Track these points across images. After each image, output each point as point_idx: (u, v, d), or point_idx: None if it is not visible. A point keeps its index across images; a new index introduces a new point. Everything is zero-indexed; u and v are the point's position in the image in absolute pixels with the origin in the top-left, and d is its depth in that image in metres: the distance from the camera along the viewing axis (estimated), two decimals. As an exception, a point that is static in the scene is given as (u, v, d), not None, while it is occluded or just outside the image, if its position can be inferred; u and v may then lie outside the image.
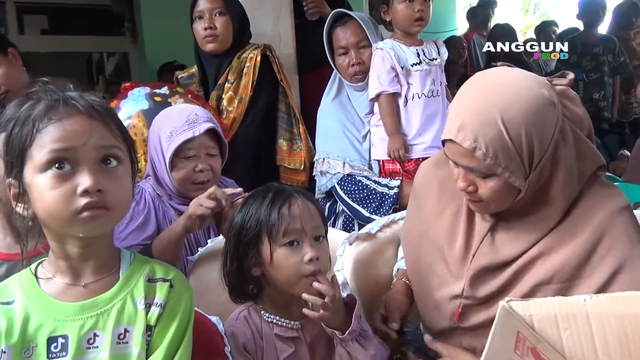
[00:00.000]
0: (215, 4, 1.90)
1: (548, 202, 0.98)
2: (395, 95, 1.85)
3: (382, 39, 1.95)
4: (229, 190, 1.32)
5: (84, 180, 0.75)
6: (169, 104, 1.75)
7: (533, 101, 0.91)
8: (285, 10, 2.42)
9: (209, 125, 1.46)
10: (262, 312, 1.02)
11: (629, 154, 3.24)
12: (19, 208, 0.79)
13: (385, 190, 1.75)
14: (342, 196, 1.83)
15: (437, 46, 1.97)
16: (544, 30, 4.57)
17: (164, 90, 1.79)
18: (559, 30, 4.51)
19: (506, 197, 0.98)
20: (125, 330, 0.80)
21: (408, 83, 1.86)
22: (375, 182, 1.78)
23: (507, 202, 0.99)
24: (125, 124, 1.76)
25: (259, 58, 1.91)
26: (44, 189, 0.75)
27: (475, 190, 0.98)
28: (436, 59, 1.92)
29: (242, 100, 1.90)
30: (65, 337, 0.78)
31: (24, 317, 0.78)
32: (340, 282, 1.26)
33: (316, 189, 1.93)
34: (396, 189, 1.74)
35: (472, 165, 0.95)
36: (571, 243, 0.95)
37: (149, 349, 0.81)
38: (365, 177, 1.81)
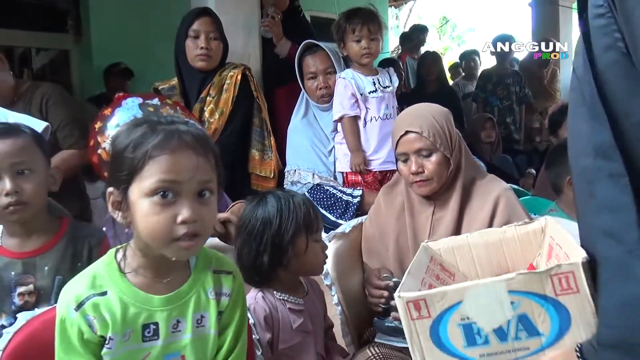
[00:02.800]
0: (211, 28, 2.12)
1: (459, 175, 1.49)
2: (355, 118, 2.17)
3: (345, 68, 2.26)
4: (221, 216, 1.48)
5: (184, 212, 0.83)
6: (160, 114, 1.94)
7: (444, 110, 1.54)
8: (255, 30, 2.67)
9: None
10: (275, 292, 1.26)
11: (534, 172, 3.81)
12: (117, 215, 0.88)
13: (349, 198, 2.06)
14: (312, 203, 2.11)
15: (389, 75, 2.31)
16: (468, 58, 5.16)
17: (155, 101, 1.96)
18: (479, 59, 5.10)
19: (443, 170, 1.45)
20: (202, 316, 0.94)
21: (366, 107, 2.19)
22: (340, 191, 2.08)
23: (444, 176, 1.46)
24: (115, 130, 1.94)
25: (239, 77, 2.14)
26: (148, 212, 0.83)
27: (423, 171, 1.45)
28: (389, 87, 2.26)
29: (223, 114, 2.12)
30: (156, 324, 0.90)
31: (122, 307, 0.88)
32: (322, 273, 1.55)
33: (285, 195, 2.20)
34: (359, 197, 2.05)
35: (421, 145, 1.44)
36: (482, 212, 1.44)
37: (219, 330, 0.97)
38: (332, 186, 2.11)
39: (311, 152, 2.17)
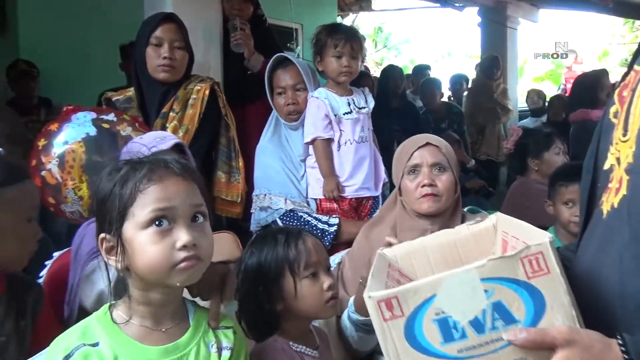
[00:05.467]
0: (176, 36, 1.91)
1: (459, 203, 1.53)
2: (329, 141, 2.03)
3: (319, 85, 2.12)
4: None
5: (182, 236, 0.83)
6: (117, 131, 1.71)
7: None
8: (216, 40, 2.47)
9: (174, 140, 1.54)
10: (290, 343, 1.10)
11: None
12: (112, 261, 0.85)
13: (325, 227, 1.91)
14: (285, 231, 1.95)
15: (364, 95, 2.19)
16: (420, 73, 5.20)
17: (111, 116, 1.73)
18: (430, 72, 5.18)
19: (451, 192, 1.48)
20: None
21: (340, 130, 2.04)
22: (315, 218, 1.93)
23: (451, 198, 1.47)
24: (63, 148, 1.71)
25: (207, 92, 1.95)
26: (146, 244, 0.82)
27: (435, 185, 1.45)
28: (364, 108, 2.13)
29: (188, 131, 1.92)
30: None
31: (114, 358, 0.83)
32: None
33: (252, 222, 2.02)
34: (335, 226, 1.90)
35: (438, 159, 1.48)
36: None
37: None
38: (307, 213, 1.95)
39: (283, 175, 2.00)
